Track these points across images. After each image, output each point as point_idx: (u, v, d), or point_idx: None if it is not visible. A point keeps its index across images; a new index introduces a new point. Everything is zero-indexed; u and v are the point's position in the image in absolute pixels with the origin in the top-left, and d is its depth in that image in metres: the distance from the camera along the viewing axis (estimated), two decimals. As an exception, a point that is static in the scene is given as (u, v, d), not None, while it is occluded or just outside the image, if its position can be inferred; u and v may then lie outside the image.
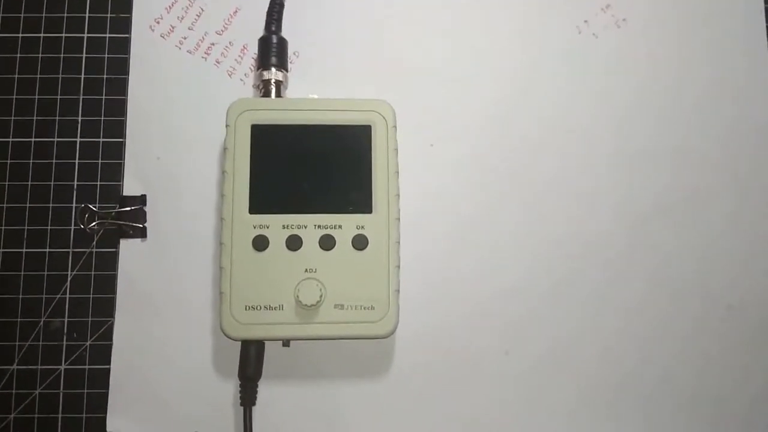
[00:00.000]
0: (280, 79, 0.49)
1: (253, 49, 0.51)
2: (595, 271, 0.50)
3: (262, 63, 0.49)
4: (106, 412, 0.47)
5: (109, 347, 0.48)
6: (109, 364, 0.48)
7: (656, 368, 0.49)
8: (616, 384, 0.49)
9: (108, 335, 0.48)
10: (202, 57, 0.52)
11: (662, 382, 0.49)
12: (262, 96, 0.49)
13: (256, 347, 0.46)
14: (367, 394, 0.48)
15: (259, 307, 0.45)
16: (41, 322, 0.48)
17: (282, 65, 0.49)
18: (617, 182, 0.51)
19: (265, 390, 0.46)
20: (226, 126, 0.46)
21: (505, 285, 0.50)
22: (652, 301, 0.50)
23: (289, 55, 0.51)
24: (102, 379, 0.48)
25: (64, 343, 0.48)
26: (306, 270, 0.45)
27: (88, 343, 0.48)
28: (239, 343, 0.46)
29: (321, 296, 0.44)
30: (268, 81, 0.49)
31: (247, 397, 0.45)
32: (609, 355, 0.49)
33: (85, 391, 0.48)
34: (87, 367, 0.48)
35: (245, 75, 0.52)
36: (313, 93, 0.49)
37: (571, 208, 0.51)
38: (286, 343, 0.46)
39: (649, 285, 0.50)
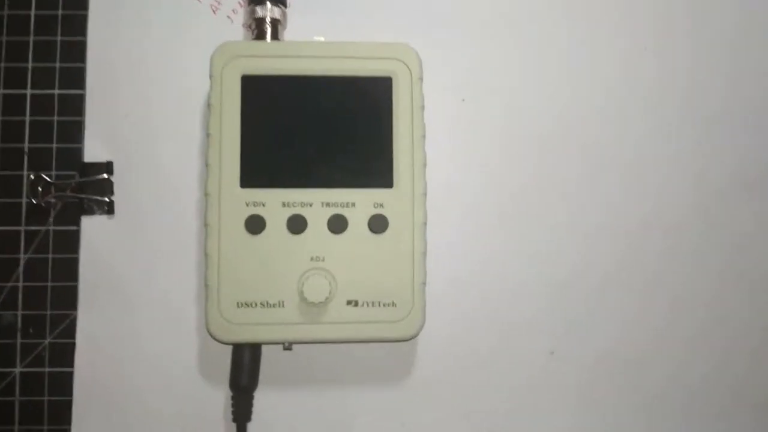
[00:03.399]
0: (277, 16, 0.40)
1: (243, -21, 0.42)
2: (653, 258, 0.42)
3: (255, -4, 0.40)
4: (70, 424, 0.40)
5: (72, 346, 0.40)
6: (72, 366, 0.40)
7: (730, 373, 0.42)
8: (678, 384, 0.42)
9: (70, 332, 0.40)
10: (180, -12, 0.42)
11: (729, 385, 0.42)
12: (255, 39, 0.40)
13: (251, 351, 0.38)
14: (383, 404, 0.40)
15: (254, 304, 0.37)
16: (-10, 316, 0.40)
17: (279, -1, 0.40)
18: (687, 156, 0.43)
19: (261, 399, 0.39)
20: (211, 77, 0.37)
21: (551, 272, 0.42)
22: (723, 294, 0.42)
23: (287, -14, 0.41)
24: (65, 384, 0.40)
25: (19, 341, 0.40)
26: (312, 258, 0.37)
27: (47, 341, 0.40)
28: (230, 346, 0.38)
29: (330, 291, 0.36)
30: (262, 19, 0.39)
31: (241, 411, 0.38)
32: (666, 354, 0.42)
33: (46, 398, 0.40)
34: (47, 369, 0.40)
35: (233, 11, 0.42)
36: (318, 35, 0.39)
37: (630, 183, 0.42)
38: (287, 345, 0.38)
39: (719, 276, 0.42)
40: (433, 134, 0.39)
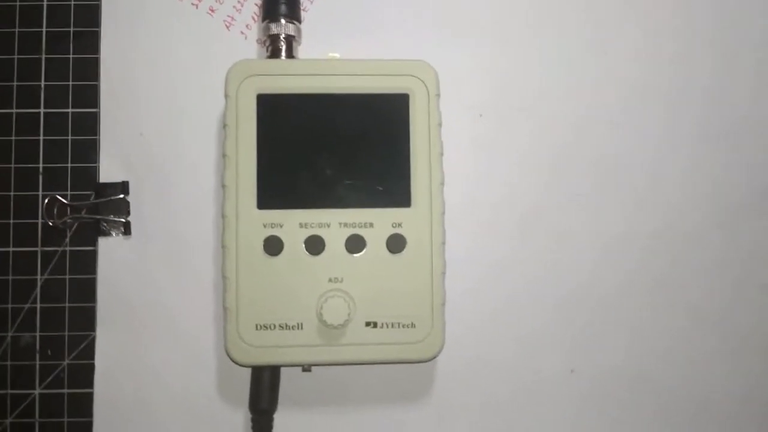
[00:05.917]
0: (292, 33, 0.39)
1: (257, -7, 0.41)
2: (675, 272, 0.42)
3: (269, 13, 0.39)
4: (90, 445, 0.39)
5: (91, 367, 0.40)
6: (92, 387, 0.40)
7: (748, 388, 0.41)
8: (700, 402, 0.41)
9: (89, 353, 0.40)
10: (193, 3, 0.41)
11: (754, 404, 0.41)
12: (270, 56, 0.39)
13: (270, 373, 0.37)
14: (403, 424, 0.40)
15: (273, 326, 0.36)
16: (8, 338, 0.40)
17: (293, 15, 0.39)
18: (705, 170, 0.42)
19: (281, 421, 0.38)
20: (226, 96, 0.37)
21: (571, 290, 0.41)
22: (745, 310, 0.42)
23: (302, 1, 0.40)
24: (85, 406, 0.40)
25: (38, 362, 0.40)
26: (330, 279, 0.37)
27: (65, 363, 0.40)
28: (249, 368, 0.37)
29: (349, 313, 0.36)
30: (277, 36, 0.39)
31: (261, 432, 0.37)
32: (692, 369, 0.41)
33: (66, 419, 0.40)
34: (66, 390, 0.40)
35: (247, 26, 0.41)
36: (334, 52, 0.39)
37: (655, 195, 0.42)
38: (306, 367, 0.38)
39: (743, 292, 0.42)
40: (450, 151, 0.38)
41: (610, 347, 0.41)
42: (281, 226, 0.37)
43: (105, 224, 0.40)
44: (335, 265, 0.37)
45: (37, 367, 0.40)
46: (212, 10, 0.41)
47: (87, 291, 0.40)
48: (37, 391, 0.40)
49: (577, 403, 0.41)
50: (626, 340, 0.41)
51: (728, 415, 0.41)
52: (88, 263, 0.40)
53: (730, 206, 0.42)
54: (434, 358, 0.37)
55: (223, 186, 0.37)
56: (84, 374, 0.40)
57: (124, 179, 0.40)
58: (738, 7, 0.43)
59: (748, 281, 0.42)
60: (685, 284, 0.41)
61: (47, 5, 0.42)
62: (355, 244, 0.37)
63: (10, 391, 0.40)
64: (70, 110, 0.41)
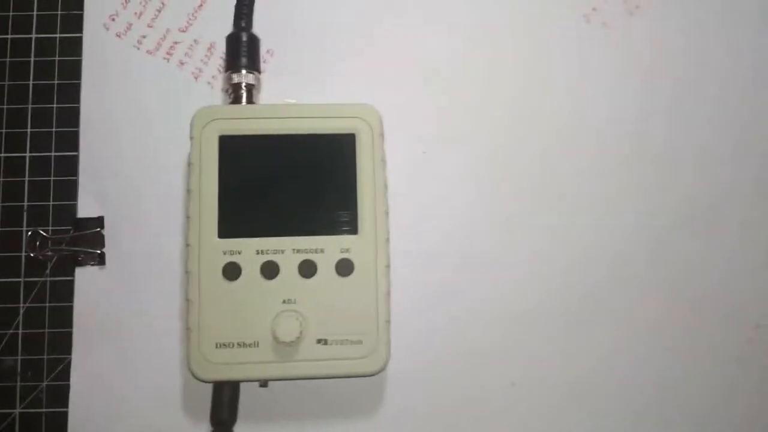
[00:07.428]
0: (252, 82, 0.43)
1: (221, 48, 0.46)
2: (611, 290, 0.45)
3: (231, 64, 0.44)
4: (66, 461, 0.42)
5: (67, 388, 0.43)
6: (67, 406, 0.43)
7: (678, 397, 0.44)
8: (635, 415, 0.44)
9: (65, 375, 0.43)
10: (164, 58, 0.46)
11: (685, 411, 0.44)
12: (232, 102, 0.43)
13: (229, 389, 0.41)
14: (355, 436, 0.43)
15: (231, 345, 0.40)
16: (-9, 362, 0.43)
17: (254, 66, 0.44)
18: (634, 191, 0.46)
19: (241, 434, 0.41)
20: (191, 138, 0.41)
21: (510, 310, 0.45)
22: (674, 324, 0.45)
23: (262, 54, 0.45)
24: (61, 424, 0.43)
25: (18, 383, 0.43)
26: (284, 301, 0.40)
27: (44, 384, 0.43)
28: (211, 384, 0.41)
29: (301, 331, 0.39)
30: (238, 85, 0.43)
31: (221, 444, 0.40)
32: (627, 384, 0.44)
33: (43, 437, 0.43)
34: (44, 410, 0.43)
35: (213, 77, 0.46)
36: (289, 98, 0.43)
37: (586, 222, 0.46)
38: (263, 383, 0.41)
39: (671, 307, 0.45)
40: (396, 185, 0.43)
41: (545, 360, 0.44)
42: (239, 253, 0.40)
43: (82, 256, 0.44)
44: (289, 288, 0.40)
45: (18, 388, 0.43)
46: (181, 63, 0.46)
47: (65, 317, 0.43)
48: (17, 411, 0.43)
49: (520, 415, 0.44)
50: (559, 353, 0.44)
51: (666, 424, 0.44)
52: (66, 292, 0.44)
53: (658, 228, 0.46)
54: (380, 371, 0.40)
55: (188, 217, 0.40)
56: (60, 394, 0.43)
57: (100, 215, 0.44)
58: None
59: (675, 298, 0.45)
60: (613, 300, 0.45)
61: (34, 61, 0.46)
62: (307, 268, 0.40)
63: (-8, 411, 0.43)
64: (52, 154, 0.45)
